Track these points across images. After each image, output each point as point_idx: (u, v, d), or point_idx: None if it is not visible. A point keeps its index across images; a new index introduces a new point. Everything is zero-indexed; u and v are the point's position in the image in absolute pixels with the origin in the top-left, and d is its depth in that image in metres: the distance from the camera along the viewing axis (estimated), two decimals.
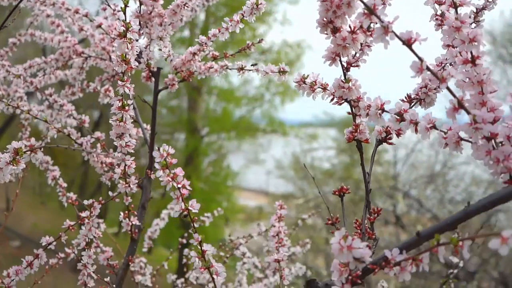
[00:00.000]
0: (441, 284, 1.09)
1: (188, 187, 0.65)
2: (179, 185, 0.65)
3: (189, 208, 0.65)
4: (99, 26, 1.02)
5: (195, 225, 0.68)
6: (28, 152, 0.70)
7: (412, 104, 0.72)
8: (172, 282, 1.47)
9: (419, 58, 0.53)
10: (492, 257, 6.18)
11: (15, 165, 0.70)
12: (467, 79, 0.56)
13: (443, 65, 0.72)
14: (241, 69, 0.98)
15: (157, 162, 0.64)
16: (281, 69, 0.87)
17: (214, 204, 10.52)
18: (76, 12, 1.14)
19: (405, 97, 0.72)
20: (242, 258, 1.36)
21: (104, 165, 1.04)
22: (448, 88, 0.53)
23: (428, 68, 0.52)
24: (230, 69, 1.00)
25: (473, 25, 0.74)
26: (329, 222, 0.56)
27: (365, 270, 0.56)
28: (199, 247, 0.67)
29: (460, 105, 0.53)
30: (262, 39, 1.05)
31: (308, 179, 8.40)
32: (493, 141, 0.55)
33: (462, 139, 0.57)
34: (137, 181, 0.95)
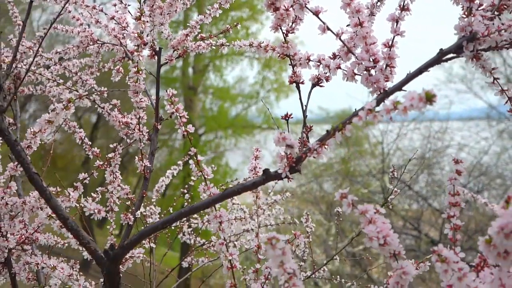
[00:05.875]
0: (382, 204, 1.42)
1: (187, 116, 0.98)
2: (180, 115, 0.98)
3: (188, 129, 0.99)
4: (112, 18, 1.35)
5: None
6: (78, 100, 1.03)
7: (337, 59, 1.05)
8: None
9: (323, 22, 0.86)
10: (476, 234, 6.54)
11: (67, 110, 1.03)
12: (356, 35, 0.89)
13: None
14: (222, 45, 1.32)
15: (166, 100, 0.97)
16: (251, 43, 1.20)
17: None
18: (94, 8, 1.47)
19: (332, 54, 1.05)
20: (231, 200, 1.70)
21: (120, 123, 1.37)
22: (342, 42, 0.87)
23: (328, 28, 0.86)
24: (214, 46, 1.34)
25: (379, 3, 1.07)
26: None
27: (298, 158, 0.89)
28: (195, 158, 1.01)
29: (349, 50, 0.87)
30: (238, 23, 1.39)
31: (304, 173, 8.70)
32: (373, 72, 0.89)
33: (355, 73, 0.90)
34: (148, 131, 1.28)
